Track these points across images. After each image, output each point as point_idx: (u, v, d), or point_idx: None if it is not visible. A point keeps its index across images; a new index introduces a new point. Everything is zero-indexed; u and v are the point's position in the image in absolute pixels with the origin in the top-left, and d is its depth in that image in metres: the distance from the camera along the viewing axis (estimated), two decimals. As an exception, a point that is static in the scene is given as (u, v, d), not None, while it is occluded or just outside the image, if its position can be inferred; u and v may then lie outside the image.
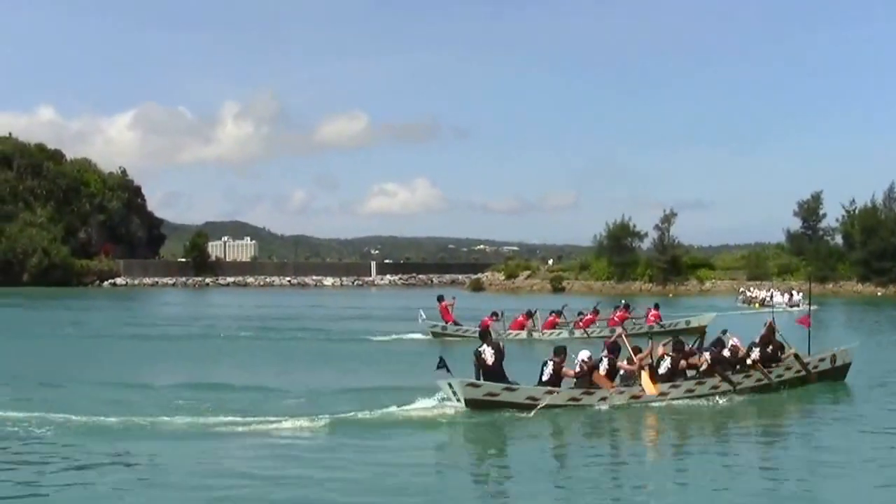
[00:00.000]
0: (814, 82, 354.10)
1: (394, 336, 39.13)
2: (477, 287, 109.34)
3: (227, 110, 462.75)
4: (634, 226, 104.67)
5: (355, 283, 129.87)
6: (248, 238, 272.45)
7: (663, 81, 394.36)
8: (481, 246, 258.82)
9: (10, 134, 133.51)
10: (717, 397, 20.87)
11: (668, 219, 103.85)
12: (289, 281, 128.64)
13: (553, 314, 40.20)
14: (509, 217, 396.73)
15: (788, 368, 22.91)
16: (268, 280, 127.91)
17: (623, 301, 44.95)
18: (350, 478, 13.87)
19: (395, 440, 16.67)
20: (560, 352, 20.27)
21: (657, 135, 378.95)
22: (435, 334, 38.70)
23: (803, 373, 23.08)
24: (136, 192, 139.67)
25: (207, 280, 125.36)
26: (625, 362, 21.04)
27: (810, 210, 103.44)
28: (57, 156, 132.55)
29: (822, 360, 23.84)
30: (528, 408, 19.04)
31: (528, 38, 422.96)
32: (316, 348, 35.23)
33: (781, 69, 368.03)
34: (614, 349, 20.98)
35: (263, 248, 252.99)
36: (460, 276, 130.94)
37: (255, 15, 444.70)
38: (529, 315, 39.84)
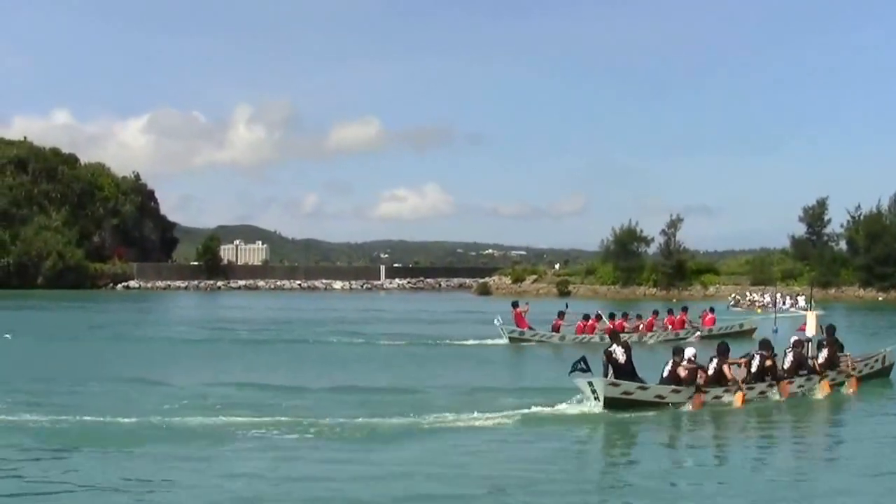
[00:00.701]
0: (820, 88, 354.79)
1: (472, 341, 39.42)
2: (484, 291, 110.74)
3: (240, 115, 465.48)
4: (641, 231, 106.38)
5: (364, 286, 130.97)
6: (260, 242, 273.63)
7: (669, 87, 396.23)
8: (489, 250, 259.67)
9: (25, 138, 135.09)
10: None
11: (674, 224, 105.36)
12: (299, 284, 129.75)
13: (622, 317, 40.86)
14: (517, 222, 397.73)
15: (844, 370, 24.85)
16: (278, 283, 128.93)
17: (683, 305, 46.04)
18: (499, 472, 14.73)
19: (523, 439, 17.63)
20: (679, 352, 21.44)
21: (664, 141, 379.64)
22: (512, 339, 38.87)
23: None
24: (150, 195, 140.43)
25: (219, 283, 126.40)
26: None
27: (815, 216, 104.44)
28: (71, 160, 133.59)
29: (876, 360, 26.47)
30: (656, 405, 20.25)
31: (538, 44, 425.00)
32: (403, 353, 35.58)
33: (787, 75, 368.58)
34: (724, 351, 21.90)
35: (275, 252, 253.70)
36: (468, 280, 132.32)
37: (268, 21, 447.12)
38: (599, 317, 40.67)
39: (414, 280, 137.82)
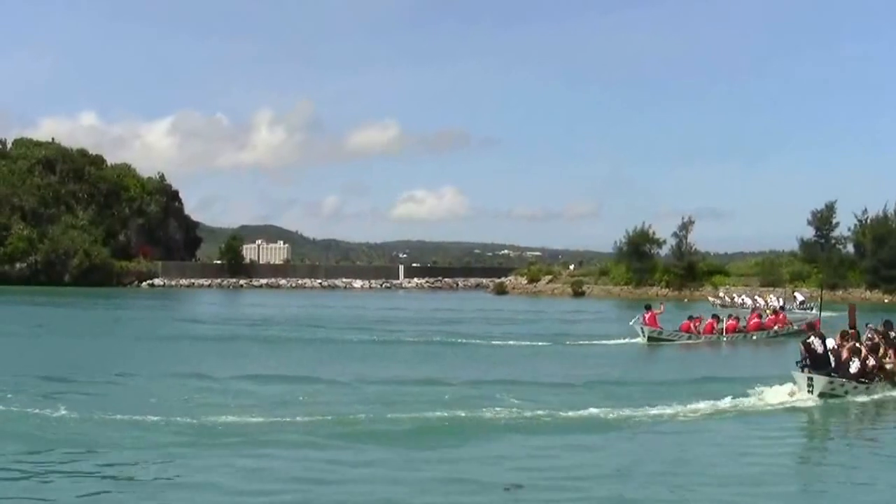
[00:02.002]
0: (827, 95, 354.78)
1: (610, 341, 41.82)
2: (501, 290, 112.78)
3: (262, 118, 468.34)
4: (654, 233, 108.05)
5: (384, 285, 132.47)
6: (281, 241, 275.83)
7: (676, 95, 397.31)
8: (505, 251, 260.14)
9: (53, 139, 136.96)
10: None
11: (685, 226, 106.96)
12: (320, 283, 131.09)
13: (733, 318, 45.32)
14: (532, 223, 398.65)
15: None
16: (300, 282, 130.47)
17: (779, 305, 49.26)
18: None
19: (731, 428, 19.54)
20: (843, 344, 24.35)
21: (672, 146, 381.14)
22: (651, 339, 41.56)
23: None
24: (174, 196, 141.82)
25: (242, 281, 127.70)
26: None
27: (823, 219, 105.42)
28: (98, 160, 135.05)
29: None
30: (842, 396, 22.98)
31: (549, 53, 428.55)
32: (551, 353, 37.01)
33: (792, 81, 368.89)
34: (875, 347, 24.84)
35: (296, 252, 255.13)
36: (485, 280, 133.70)
37: (290, 26, 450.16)
38: (716, 318, 44.81)
39: (432, 279, 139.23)
